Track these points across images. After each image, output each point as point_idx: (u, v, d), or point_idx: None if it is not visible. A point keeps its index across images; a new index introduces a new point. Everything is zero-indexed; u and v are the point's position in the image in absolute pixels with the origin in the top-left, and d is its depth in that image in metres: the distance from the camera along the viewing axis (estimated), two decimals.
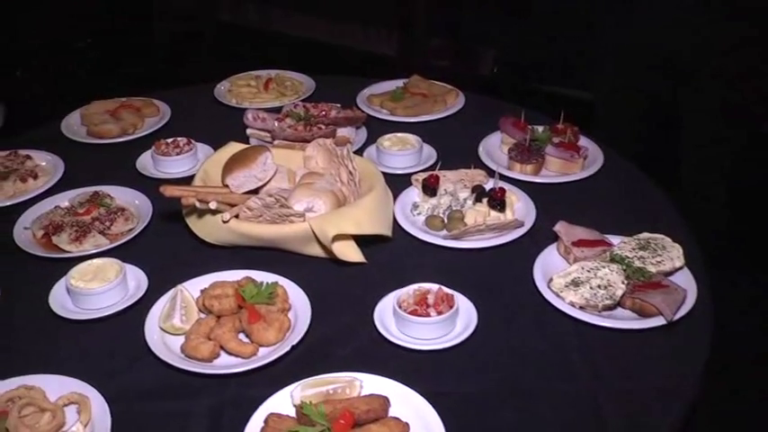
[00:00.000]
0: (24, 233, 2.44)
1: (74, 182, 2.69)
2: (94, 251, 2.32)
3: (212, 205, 2.22)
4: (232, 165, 2.40)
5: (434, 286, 2.02)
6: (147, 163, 2.80)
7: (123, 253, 2.29)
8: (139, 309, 2.09)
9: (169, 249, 2.38)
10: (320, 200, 2.28)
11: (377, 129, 2.91)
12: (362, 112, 2.96)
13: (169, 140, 2.79)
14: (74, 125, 3.10)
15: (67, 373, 1.87)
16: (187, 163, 2.74)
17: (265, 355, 1.92)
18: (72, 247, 2.34)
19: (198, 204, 2.22)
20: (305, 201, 2.28)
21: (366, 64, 4.21)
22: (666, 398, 1.79)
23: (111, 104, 3.13)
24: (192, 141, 2.79)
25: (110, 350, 2.01)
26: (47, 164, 2.83)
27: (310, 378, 1.80)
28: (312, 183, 2.33)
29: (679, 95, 3.45)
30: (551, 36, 4.73)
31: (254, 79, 3.35)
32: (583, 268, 2.12)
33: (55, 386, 1.85)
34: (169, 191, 2.23)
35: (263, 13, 6.82)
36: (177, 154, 2.73)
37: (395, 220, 2.38)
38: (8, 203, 2.61)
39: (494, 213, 2.37)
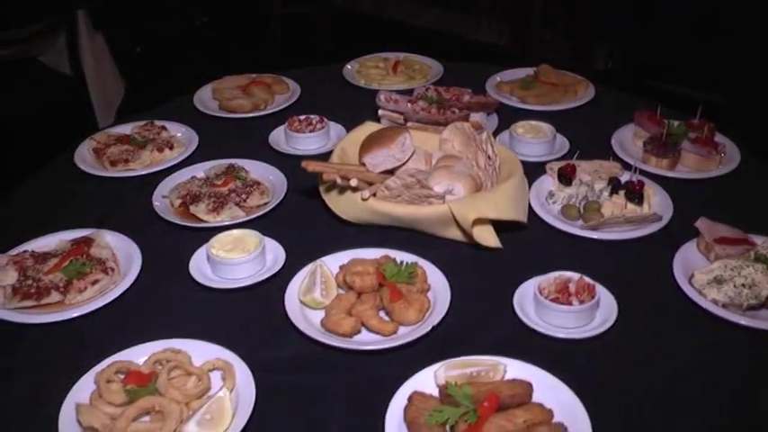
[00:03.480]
0: (162, 201, 2.49)
1: (208, 154, 2.75)
2: (231, 222, 2.36)
3: (353, 182, 2.24)
4: (370, 144, 2.41)
5: (575, 275, 2.00)
6: (279, 139, 2.84)
7: (258, 226, 2.31)
8: (277, 281, 2.12)
9: (305, 224, 2.41)
10: (459, 183, 2.28)
11: (507, 116, 2.90)
12: (494, 98, 2.95)
13: (302, 117, 2.82)
14: (205, 99, 3.17)
15: (210, 340, 1.91)
16: (319, 140, 2.77)
17: (405, 335, 1.93)
18: (209, 218, 2.38)
19: (339, 181, 2.24)
20: (444, 183, 2.28)
21: (474, 53, 4.18)
22: None
23: (243, 80, 3.19)
24: (325, 119, 2.83)
25: (250, 320, 2.04)
26: (182, 135, 2.90)
27: (454, 359, 1.80)
28: (451, 166, 2.33)
29: None
30: (672, 34, 4.65)
31: (383, 61, 3.38)
32: (726, 266, 2.07)
33: (200, 351, 1.89)
34: (312, 166, 2.25)
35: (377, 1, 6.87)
36: (310, 131, 2.77)
37: (530, 208, 2.37)
38: (145, 172, 2.68)
39: (631, 206, 2.34)
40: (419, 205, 2.24)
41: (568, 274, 2.01)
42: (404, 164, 2.39)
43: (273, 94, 3.15)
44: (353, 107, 2.91)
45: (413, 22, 6.70)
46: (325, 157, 2.54)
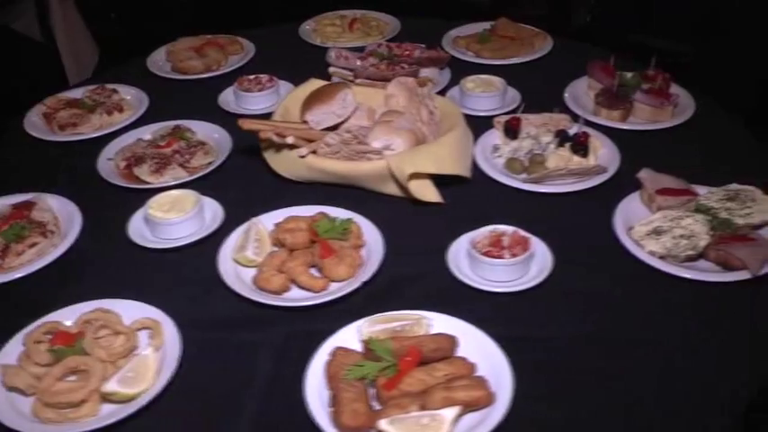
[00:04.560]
0: (108, 164, 2.48)
1: (157, 116, 2.73)
2: (174, 183, 2.35)
3: (290, 140, 2.22)
4: (311, 101, 2.38)
5: (510, 228, 1.97)
6: (229, 99, 2.82)
7: (202, 186, 2.30)
8: (215, 240, 2.10)
9: (246, 183, 2.39)
10: (399, 138, 2.24)
11: (462, 71, 2.84)
12: (446, 53, 2.91)
13: (251, 77, 2.79)
14: (159, 61, 3.15)
15: (143, 300, 1.90)
16: (268, 99, 2.74)
17: (335, 290, 1.91)
18: (152, 179, 2.37)
19: (275, 138, 2.21)
20: (383, 138, 2.25)
21: (455, 9, 4.10)
22: (750, 355, 1.72)
23: (197, 41, 3.15)
24: (274, 78, 2.79)
25: (184, 279, 2.04)
26: (132, 98, 2.88)
27: (378, 314, 1.79)
28: (391, 121, 2.30)
29: None
30: None
31: (340, 19, 3.33)
32: (665, 217, 2.04)
33: (130, 311, 1.88)
34: (247, 124, 2.23)
35: None
36: (259, 90, 2.74)
37: (474, 162, 2.34)
38: (94, 135, 2.65)
39: (576, 158, 2.31)
40: (358, 161, 2.21)
41: (503, 227, 1.98)
42: (346, 120, 2.36)
43: (228, 54, 3.11)
44: (307, 66, 2.86)
45: None
46: (272, 116, 2.50)
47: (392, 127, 2.27)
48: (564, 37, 3.17)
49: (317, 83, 2.51)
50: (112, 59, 3.19)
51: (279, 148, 2.28)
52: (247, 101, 2.74)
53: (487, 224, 2.01)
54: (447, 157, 2.20)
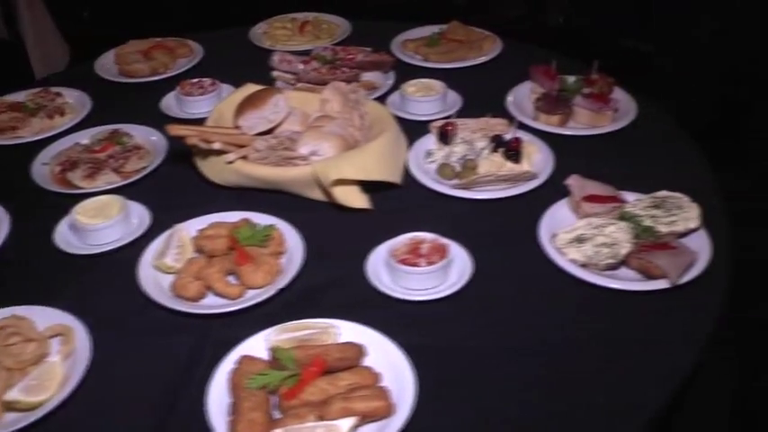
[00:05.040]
0: (42, 169, 2.47)
1: (99, 120, 2.71)
2: (106, 188, 2.33)
3: (216, 146, 2.20)
4: (244, 106, 2.37)
5: (430, 236, 1.96)
6: (171, 103, 2.80)
7: (134, 190, 2.30)
8: (140, 246, 2.09)
9: (178, 189, 2.38)
10: (327, 143, 2.23)
11: (408, 74, 2.81)
12: (391, 56, 2.89)
13: (194, 81, 2.78)
14: (107, 65, 3.13)
15: (60, 307, 1.89)
16: (210, 104, 2.71)
17: (251, 298, 1.90)
18: (84, 184, 2.36)
19: (201, 144, 2.20)
20: (311, 144, 2.23)
21: (432, 10, 4.08)
22: (663, 364, 1.70)
23: (146, 44, 3.14)
24: (217, 82, 2.78)
25: (104, 285, 2.03)
26: (75, 101, 2.86)
27: (288, 323, 1.78)
28: (321, 126, 2.29)
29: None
30: None
31: (291, 22, 3.31)
32: (590, 225, 2.02)
33: (45, 317, 1.88)
34: (174, 130, 2.22)
35: None
36: (201, 94, 2.72)
37: (407, 168, 2.33)
38: (33, 139, 2.64)
39: (509, 164, 2.29)
40: (285, 167, 2.20)
41: (423, 235, 1.97)
42: (278, 125, 2.35)
43: (176, 58, 3.10)
44: (254, 70, 2.85)
45: None
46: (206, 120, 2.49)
47: (321, 132, 2.26)
48: (537, 38, 3.15)
49: (253, 87, 2.49)
50: (84, 60, 3.16)
51: (210, 153, 2.27)
52: (189, 105, 2.72)
53: (415, 231, 1.99)
54: (373, 162, 2.18)
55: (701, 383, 2.01)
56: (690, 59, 3.59)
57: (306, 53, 2.95)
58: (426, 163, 2.36)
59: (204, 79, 2.78)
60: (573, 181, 2.16)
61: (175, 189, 2.37)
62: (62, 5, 4.73)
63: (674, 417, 1.91)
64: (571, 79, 2.62)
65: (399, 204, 2.24)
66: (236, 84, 2.77)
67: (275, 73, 2.77)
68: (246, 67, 2.99)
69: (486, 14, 3.44)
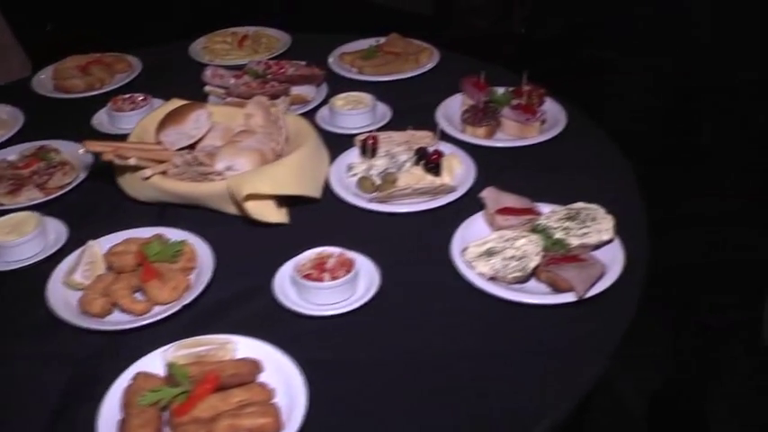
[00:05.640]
0: None
1: (30, 136, 2.70)
2: (28, 204, 2.33)
3: (132, 161, 2.19)
4: (166, 121, 2.37)
5: (337, 250, 1.95)
6: (103, 119, 2.79)
7: (56, 207, 2.30)
8: (55, 262, 2.08)
9: (98, 204, 2.36)
10: (243, 158, 2.22)
11: (342, 87, 2.81)
12: (323, 69, 2.89)
13: (126, 96, 2.77)
14: (45, 80, 3.12)
15: None
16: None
17: (156, 314, 1.89)
18: (7, 200, 2.35)
19: (116, 161, 2.20)
20: (227, 159, 2.23)
21: (398, 22, 4.07)
22: (566, 378, 1.69)
23: (84, 59, 3.13)
24: (149, 97, 2.77)
25: (15, 303, 2.02)
26: (7, 117, 2.85)
27: (186, 339, 1.77)
28: (239, 141, 2.28)
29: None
30: None
31: (231, 36, 3.30)
32: (501, 238, 2.01)
33: None
34: (90, 146, 2.22)
35: None
36: (132, 110, 2.71)
37: (328, 181, 2.32)
38: None
39: (429, 177, 2.28)
40: (201, 182, 2.20)
41: (330, 249, 1.96)
42: (200, 141, 2.35)
43: (114, 73, 3.09)
44: (190, 84, 2.85)
45: None
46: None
47: (237, 147, 2.26)
48: (502, 49, 3.14)
49: (178, 102, 2.49)
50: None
51: (129, 169, 2.26)
52: (120, 120, 2.71)
53: (328, 245, 1.98)
54: (288, 177, 2.17)
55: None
56: (647, 71, 3.59)
57: (241, 67, 2.94)
58: (348, 177, 2.36)
59: (136, 95, 2.78)
60: (487, 194, 2.15)
61: (96, 205, 2.36)
62: (24, 17, 4.72)
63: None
64: (500, 91, 2.62)
65: (315, 218, 2.23)
66: (170, 98, 2.78)
67: (207, 88, 2.77)
68: (183, 81, 2.98)
69: (450, 24, 3.43)
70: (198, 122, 2.34)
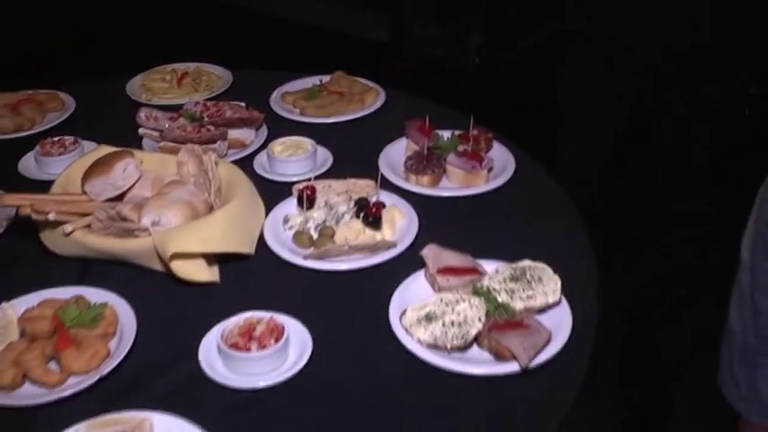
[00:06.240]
0: None
1: None
2: None
3: (51, 216, 2.05)
4: (91, 170, 2.23)
5: (266, 316, 1.84)
6: (29, 164, 2.63)
7: None
8: None
9: (16, 261, 2.22)
10: (171, 211, 2.09)
11: (282, 130, 2.70)
12: (264, 111, 2.76)
13: (55, 139, 2.62)
14: None
15: None
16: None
17: (70, 386, 1.76)
18: None
19: (34, 216, 2.06)
20: (153, 213, 2.09)
21: (355, 51, 3.96)
22: None
23: (15, 98, 2.97)
24: (79, 140, 2.62)
25: None
26: None
27: (97, 417, 1.64)
28: (168, 193, 2.16)
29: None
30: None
31: (170, 73, 3.17)
32: (441, 301, 1.90)
33: None
34: (7, 199, 2.08)
35: None
36: (60, 154, 2.56)
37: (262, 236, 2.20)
38: None
39: (369, 231, 2.17)
40: (125, 238, 2.07)
41: (259, 314, 1.85)
42: (128, 191, 2.22)
43: (45, 112, 2.94)
44: (126, 125, 2.71)
45: (291, 16, 6.27)
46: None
47: (165, 200, 2.13)
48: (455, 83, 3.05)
49: (106, 149, 2.35)
50: None
51: (51, 222, 2.13)
52: (48, 165, 2.55)
53: (260, 305, 1.88)
54: (218, 233, 2.05)
55: None
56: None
57: (179, 107, 2.80)
58: (284, 230, 2.24)
59: (66, 137, 2.63)
60: (428, 251, 2.05)
61: (14, 262, 2.21)
62: None
63: None
64: (446, 135, 2.52)
65: (247, 276, 2.11)
66: (103, 141, 2.63)
67: (141, 130, 2.63)
68: (118, 122, 2.82)
69: (399, 57, 3.33)
70: (126, 172, 2.21)
